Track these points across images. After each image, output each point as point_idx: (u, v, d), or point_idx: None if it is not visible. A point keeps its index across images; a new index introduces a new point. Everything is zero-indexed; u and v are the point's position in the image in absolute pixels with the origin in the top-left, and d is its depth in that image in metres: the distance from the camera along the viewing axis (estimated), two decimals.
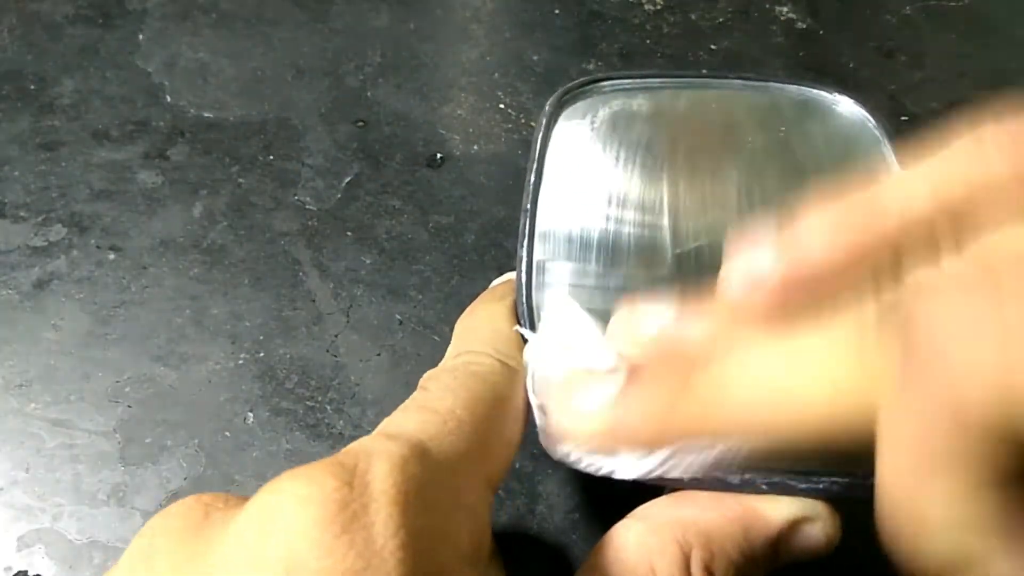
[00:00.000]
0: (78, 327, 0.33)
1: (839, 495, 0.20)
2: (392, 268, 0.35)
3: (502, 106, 0.42)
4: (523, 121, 0.41)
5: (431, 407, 0.20)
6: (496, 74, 0.43)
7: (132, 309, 0.34)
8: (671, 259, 0.26)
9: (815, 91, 0.30)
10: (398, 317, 0.34)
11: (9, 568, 0.27)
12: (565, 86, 0.30)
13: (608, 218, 0.27)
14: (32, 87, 0.41)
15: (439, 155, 0.39)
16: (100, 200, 0.37)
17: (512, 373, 0.22)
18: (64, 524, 0.28)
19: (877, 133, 0.29)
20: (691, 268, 0.26)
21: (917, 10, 0.48)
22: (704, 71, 0.34)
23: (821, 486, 0.20)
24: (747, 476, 0.20)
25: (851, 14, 0.48)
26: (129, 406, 0.31)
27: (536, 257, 0.26)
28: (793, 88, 0.31)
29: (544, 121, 0.29)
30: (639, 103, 0.30)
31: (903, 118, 0.42)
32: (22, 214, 0.36)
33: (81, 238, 0.36)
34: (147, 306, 0.34)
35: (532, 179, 0.28)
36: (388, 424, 0.20)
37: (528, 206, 0.27)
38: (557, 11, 0.47)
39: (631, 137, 0.29)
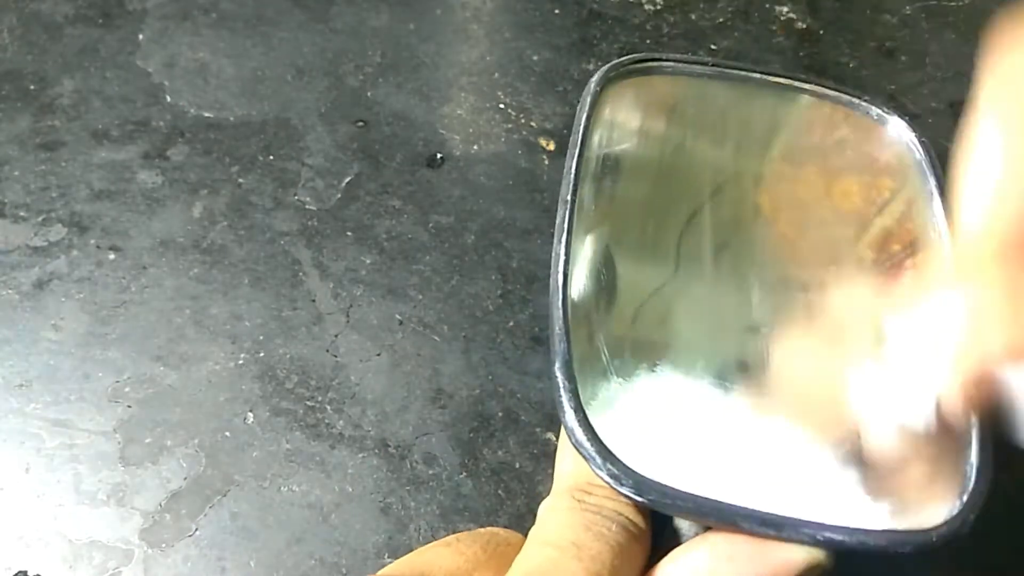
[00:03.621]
0: (78, 327, 0.33)
1: (871, 549, 0.20)
2: (392, 268, 0.35)
3: (502, 106, 0.42)
4: (523, 121, 0.41)
5: None
6: (496, 74, 0.43)
7: (132, 309, 0.34)
8: (711, 262, 0.25)
9: (867, 105, 0.29)
10: (398, 317, 0.34)
11: (9, 568, 0.27)
12: (612, 62, 0.27)
13: (648, 212, 0.26)
14: (32, 87, 0.41)
15: (439, 155, 0.39)
16: (100, 200, 0.37)
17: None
18: (64, 524, 0.28)
19: (919, 158, 0.28)
20: (729, 270, 0.25)
21: (917, 10, 0.48)
22: (761, 68, 0.32)
23: (858, 540, 0.20)
24: (789, 528, 0.20)
25: (851, 14, 0.48)
26: (129, 406, 0.31)
27: (576, 272, 0.23)
28: (844, 98, 0.29)
29: (588, 101, 0.26)
30: (692, 91, 0.29)
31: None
32: (22, 214, 0.36)
33: (81, 238, 0.36)
34: (147, 306, 0.34)
35: (574, 165, 0.24)
36: None
37: (568, 197, 0.24)
38: (557, 11, 0.47)
39: (679, 125, 0.28)
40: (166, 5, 0.45)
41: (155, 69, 0.42)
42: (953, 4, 0.49)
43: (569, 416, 0.21)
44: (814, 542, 0.20)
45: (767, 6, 0.48)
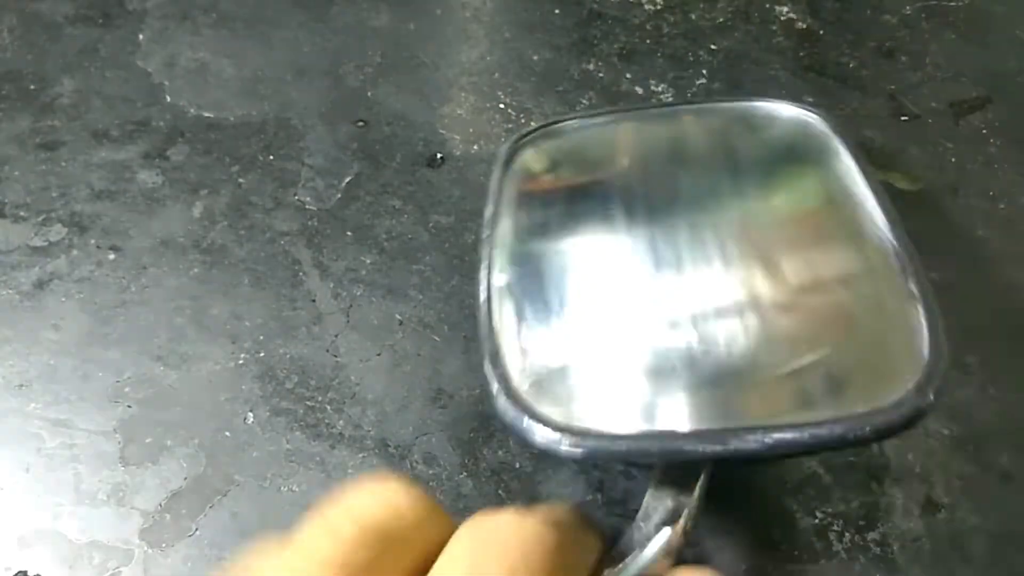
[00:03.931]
0: (78, 327, 0.33)
1: (830, 442, 0.20)
2: (392, 268, 0.35)
3: (502, 106, 0.42)
4: (523, 121, 0.41)
5: None
6: (496, 74, 0.43)
7: (132, 309, 0.34)
8: (629, 294, 0.26)
9: (759, 103, 0.33)
10: (398, 317, 0.34)
11: (9, 568, 0.27)
12: (519, 133, 0.33)
13: (566, 252, 0.28)
14: (32, 87, 0.41)
15: (439, 155, 0.39)
16: (100, 200, 0.37)
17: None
18: (64, 524, 0.28)
19: (826, 130, 0.30)
20: (648, 301, 0.26)
21: (917, 10, 0.48)
22: (648, 102, 0.38)
23: (810, 433, 0.20)
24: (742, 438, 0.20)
25: (851, 14, 0.48)
26: (129, 406, 0.31)
27: (496, 284, 0.26)
28: (739, 105, 0.33)
29: (497, 169, 0.31)
30: (594, 141, 0.33)
31: (903, 118, 0.42)
32: (22, 214, 0.36)
33: (81, 238, 0.36)
34: (147, 306, 0.34)
35: (489, 213, 0.29)
36: None
37: (486, 235, 0.28)
38: (557, 11, 0.47)
39: (587, 171, 0.31)
40: (166, 5, 0.45)
41: (155, 69, 0.42)
42: (953, 4, 0.49)
43: (501, 401, 0.23)
44: (766, 448, 0.20)
45: (767, 6, 0.48)
